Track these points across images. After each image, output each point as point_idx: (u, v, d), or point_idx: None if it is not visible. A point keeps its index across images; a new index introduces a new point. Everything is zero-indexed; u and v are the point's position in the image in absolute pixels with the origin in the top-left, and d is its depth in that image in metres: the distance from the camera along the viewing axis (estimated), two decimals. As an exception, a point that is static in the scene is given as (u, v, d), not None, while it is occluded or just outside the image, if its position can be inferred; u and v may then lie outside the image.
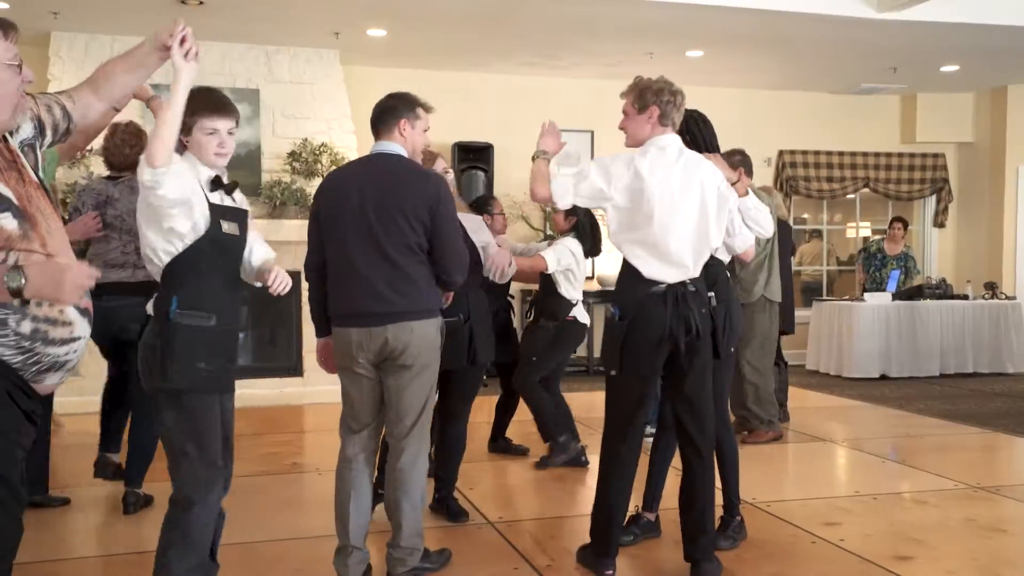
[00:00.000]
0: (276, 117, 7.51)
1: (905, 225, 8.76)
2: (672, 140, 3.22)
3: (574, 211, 4.62)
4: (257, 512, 4.07)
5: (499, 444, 5.26)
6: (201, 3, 6.16)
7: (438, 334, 3.12)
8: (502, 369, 5.08)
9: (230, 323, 2.68)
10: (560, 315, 4.76)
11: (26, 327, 2.00)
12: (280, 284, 2.67)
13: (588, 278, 9.11)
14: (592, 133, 8.82)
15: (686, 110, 3.37)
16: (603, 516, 3.26)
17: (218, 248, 2.60)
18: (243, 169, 7.14)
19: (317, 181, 7.42)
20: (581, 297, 4.83)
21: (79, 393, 5.94)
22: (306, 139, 7.43)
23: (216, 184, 2.63)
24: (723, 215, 3.27)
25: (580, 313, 4.81)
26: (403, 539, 3.15)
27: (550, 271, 4.66)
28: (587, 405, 6.81)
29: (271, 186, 7.24)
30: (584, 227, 4.82)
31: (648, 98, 3.20)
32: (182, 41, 2.31)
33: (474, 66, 8.23)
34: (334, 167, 7.38)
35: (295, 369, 7.42)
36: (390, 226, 3.00)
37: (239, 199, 2.73)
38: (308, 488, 4.63)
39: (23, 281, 1.91)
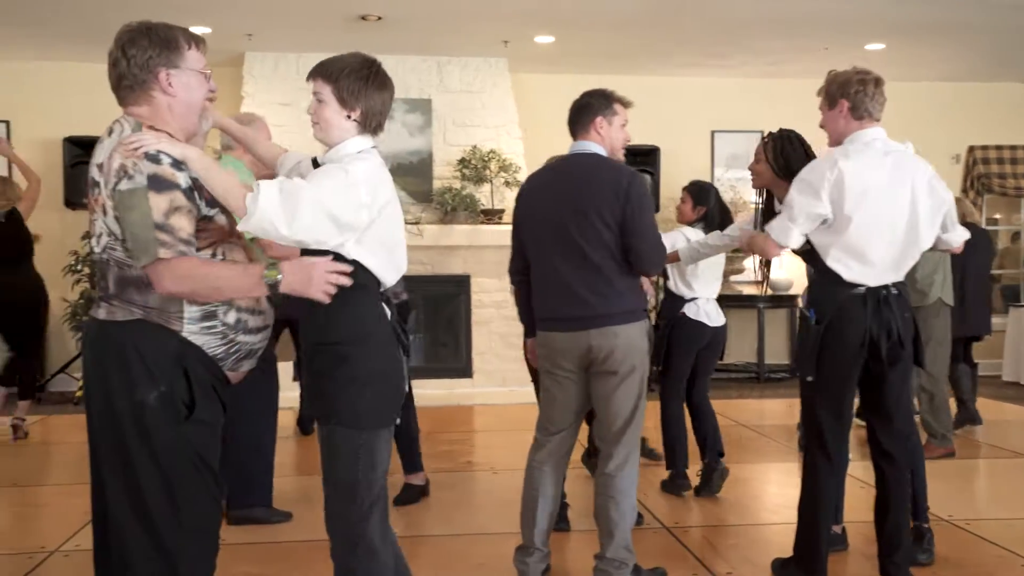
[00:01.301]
0: (447, 125, 7.74)
1: None
2: (876, 134, 3.05)
3: (704, 200, 4.42)
4: (437, 507, 4.21)
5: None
6: (380, 19, 6.44)
7: (644, 337, 3.02)
8: None
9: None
10: (667, 312, 4.41)
11: (231, 317, 2.12)
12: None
13: (766, 281, 8.86)
14: (762, 133, 8.53)
15: (781, 131, 3.31)
16: (810, 531, 3.09)
17: None
18: (415, 176, 7.42)
19: (486, 187, 7.61)
20: (701, 295, 4.38)
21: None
22: (475, 146, 7.62)
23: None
24: (938, 215, 3.06)
25: (694, 310, 4.36)
26: (610, 550, 3.04)
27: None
28: (757, 413, 6.62)
29: (442, 192, 7.47)
30: (713, 216, 4.40)
31: (834, 92, 3.06)
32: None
33: (640, 69, 8.17)
34: (502, 173, 7.55)
35: (464, 371, 7.62)
36: (585, 227, 2.95)
37: None
38: (484, 486, 4.73)
39: (279, 276, 2.04)
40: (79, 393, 7.09)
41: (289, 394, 6.91)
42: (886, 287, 2.99)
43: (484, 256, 7.56)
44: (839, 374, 3.01)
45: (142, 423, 2.05)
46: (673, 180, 8.00)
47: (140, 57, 2.08)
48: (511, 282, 3.31)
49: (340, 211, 2.12)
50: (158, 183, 1.99)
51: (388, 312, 2.31)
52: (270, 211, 2.02)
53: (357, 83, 2.23)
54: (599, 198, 2.94)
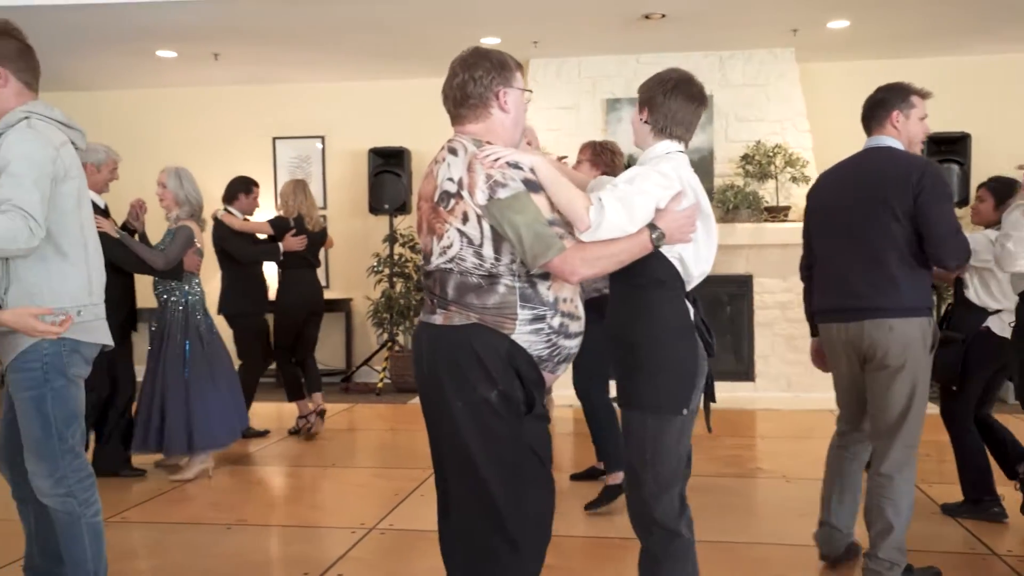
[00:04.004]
0: (729, 121, 7.52)
1: None
2: None
3: (1011, 194, 3.90)
4: (732, 513, 4.08)
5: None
6: (663, 16, 6.38)
7: (921, 336, 2.94)
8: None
9: None
10: (964, 326, 3.88)
11: (556, 322, 2.23)
12: None
13: None
14: (1097, 113, 7.48)
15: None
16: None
17: None
18: (696, 174, 7.25)
19: (770, 184, 7.30)
20: (1007, 306, 3.80)
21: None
22: (759, 141, 7.34)
23: None
24: None
25: (999, 325, 3.83)
26: (881, 550, 2.99)
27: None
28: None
29: (724, 190, 7.27)
30: None
31: None
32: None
33: (946, 49, 7.45)
34: (788, 168, 7.20)
35: (746, 374, 7.37)
36: (872, 219, 2.95)
37: None
38: (777, 494, 4.51)
39: (663, 232, 2.26)
40: (380, 384, 7.71)
41: (567, 391, 7.07)
42: None
43: (767, 255, 7.28)
44: None
45: (484, 421, 2.18)
46: (986, 170, 7.19)
47: (485, 78, 2.28)
48: (800, 277, 3.35)
49: (662, 204, 2.30)
50: (532, 186, 2.19)
51: (691, 310, 2.40)
52: (617, 220, 2.20)
53: (651, 89, 2.45)
54: (888, 190, 2.93)
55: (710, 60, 7.50)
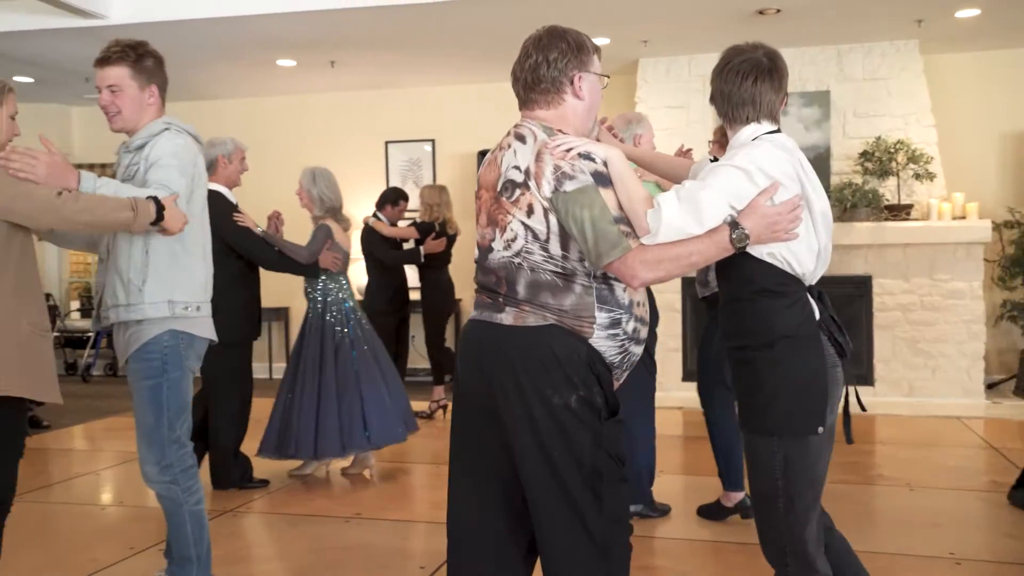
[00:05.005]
0: (847, 117, 7.27)
1: None
2: None
3: None
4: (855, 521, 3.93)
5: None
6: (778, 11, 6.22)
7: None
8: None
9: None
10: None
11: (631, 326, 2.11)
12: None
13: None
14: None
15: None
16: None
17: None
18: (812, 173, 7.05)
19: (891, 181, 7.01)
20: None
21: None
22: (879, 137, 7.06)
23: None
24: None
25: None
26: None
27: None
28: None
29: (841, 188, 7.03)
30: None
31: None
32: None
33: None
34: (911, 165, 6.92)
35: (865, 378, 7.10)
36: None
37: None
38: (902, 504, 4.34)
39: (747, 231, 2.05)
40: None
41: (677, 394, 7.00)
42: None
43: (888, 255, 6.99)
44: None
45: (564, 426, 2.05)
46: None
47: (560, 61, 2.13)
48: None
49: (738, 200, 2.08)
50: (602, 179, 2.03)
51: (816, 309, 2.18)
52: (676, 222, 2.02)
53: (713, 73, 2.28)
54: None
55: (827, 54, 7.26)
